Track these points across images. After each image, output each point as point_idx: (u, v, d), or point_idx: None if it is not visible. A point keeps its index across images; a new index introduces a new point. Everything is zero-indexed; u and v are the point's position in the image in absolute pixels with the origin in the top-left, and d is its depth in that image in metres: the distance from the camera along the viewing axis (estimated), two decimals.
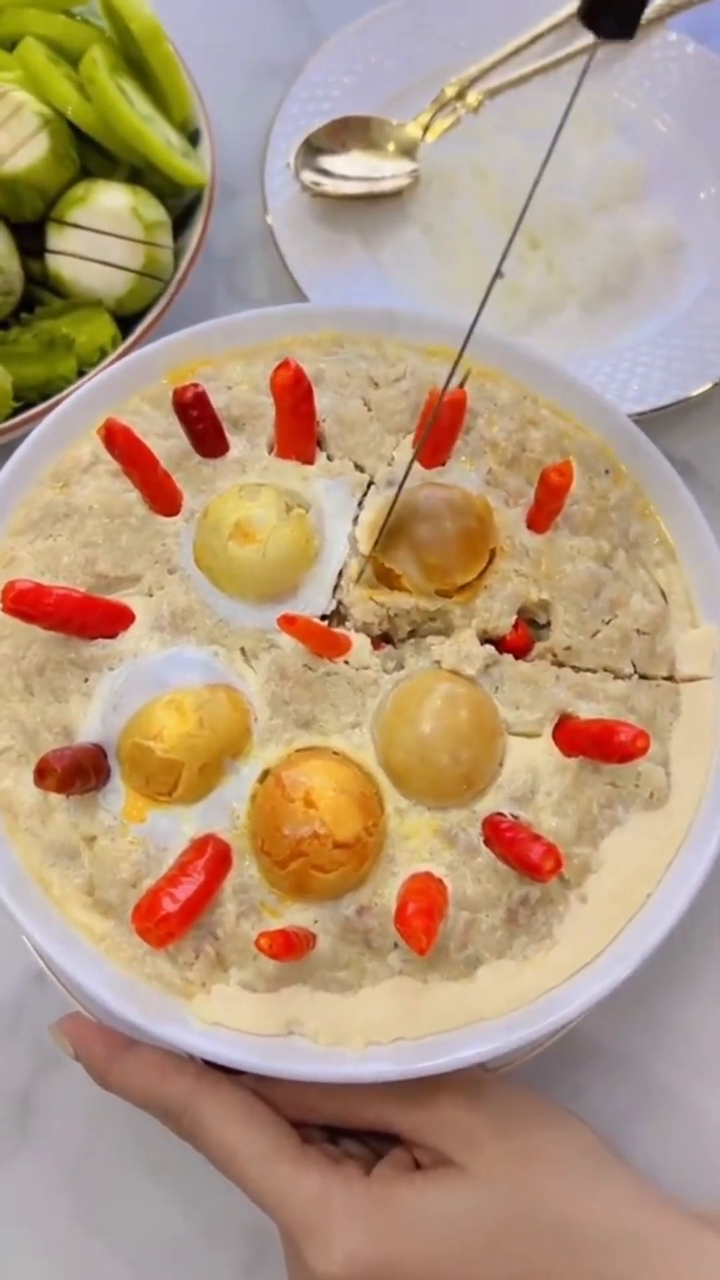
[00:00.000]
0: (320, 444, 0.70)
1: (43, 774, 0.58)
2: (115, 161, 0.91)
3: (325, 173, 1.00)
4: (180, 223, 0.92)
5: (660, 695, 0.67)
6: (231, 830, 0.61)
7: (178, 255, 0.90)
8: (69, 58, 0.91)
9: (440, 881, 0.60)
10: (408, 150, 1.03)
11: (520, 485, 0.70)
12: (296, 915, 0.60)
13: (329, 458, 0.70)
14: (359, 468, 0.70)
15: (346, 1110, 0.62)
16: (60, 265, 0.87)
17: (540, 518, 0.68)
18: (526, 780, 0.63)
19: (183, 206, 0.94)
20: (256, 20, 1.15)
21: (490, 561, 0.67)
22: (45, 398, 0.83)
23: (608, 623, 0.67)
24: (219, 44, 1.08)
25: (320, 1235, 0.56)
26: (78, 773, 0.59)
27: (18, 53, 0.90)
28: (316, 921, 0.60)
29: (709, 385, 0.92)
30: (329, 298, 0.93)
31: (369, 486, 0.69)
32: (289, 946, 0.56)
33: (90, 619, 0.62)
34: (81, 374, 0.85)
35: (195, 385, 0.65)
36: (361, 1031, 0.59)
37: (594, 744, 0.62)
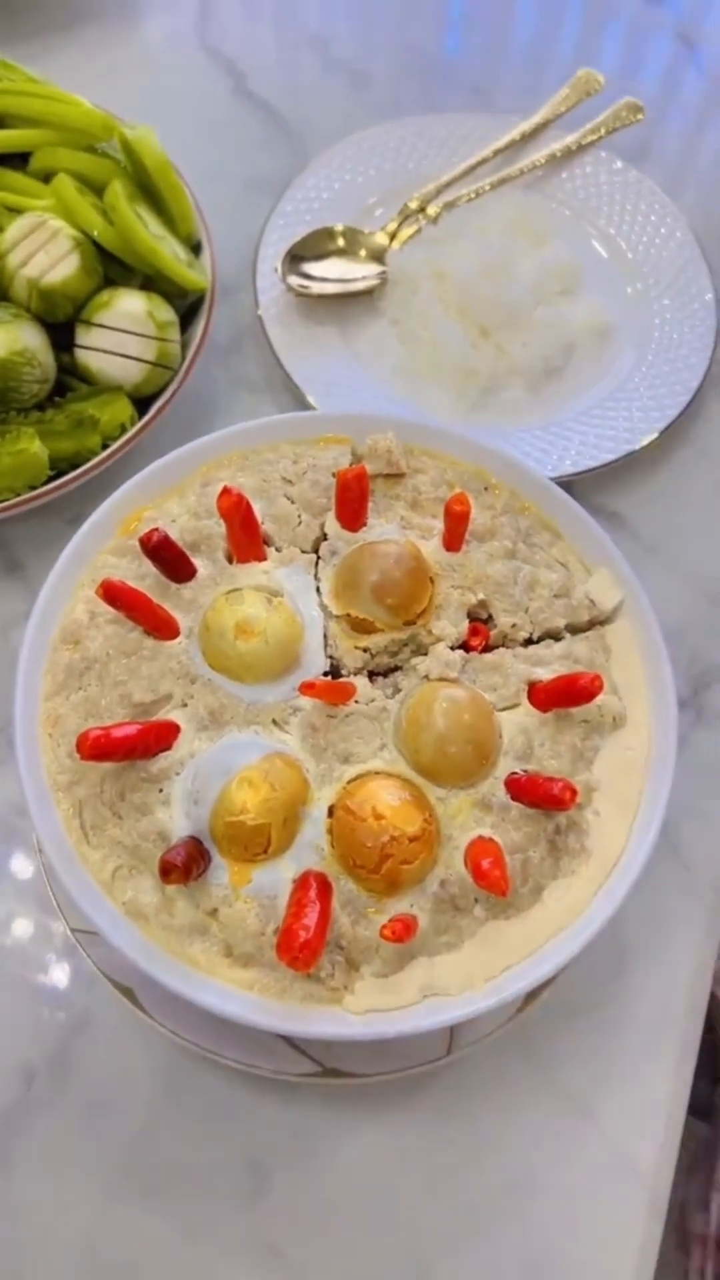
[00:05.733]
0: (266, 542, 0.85)
1: (167, 872, 0.70)
2: (132, 271, 1.10)
3: (307, 276, 1.19)
4: (186, 319, 1.11)
5: (591, 643, 0.84)
6: (320, 862, 0.74)
7: (184, 347, 1.09)
8: (93, 187, 1.10)
9: (491, 840, 0.75)
10: (377, 255, 1.22)
11: (427, 522, 0.87)
12: (395, 906, 0.74)
13: (277, 550, 0.84)
14: (303, 550, 0.85)
15: None
16: (87, 358, 1.05)
17: (453, 540, 0.84)
18: (523, 741, 0.79)
19: (187, 306, 1.12)
20: (249, 143, 1.38)
21: (433, 587, 0.83)
22: (74, 467, 1.01)
23: (532, 599, 0.84)
24: (216, 163, 1.26)
25: None
26: (193, 862, 0.72)
27: (52, 186, 1.10)
28: (412, 905, 0.74)
29: (635, 449, 1.11)
30: (311, 381, 1.12)
31: (318, 562, 0.84)
32: (407, 929, 0.70)
33: (150, 741, 0.75)
34: (105, 446, 1.02)
35: (156, 530, 0.79)
36: (480, 973, 0.73)
37: (562, 695, 0.78)
